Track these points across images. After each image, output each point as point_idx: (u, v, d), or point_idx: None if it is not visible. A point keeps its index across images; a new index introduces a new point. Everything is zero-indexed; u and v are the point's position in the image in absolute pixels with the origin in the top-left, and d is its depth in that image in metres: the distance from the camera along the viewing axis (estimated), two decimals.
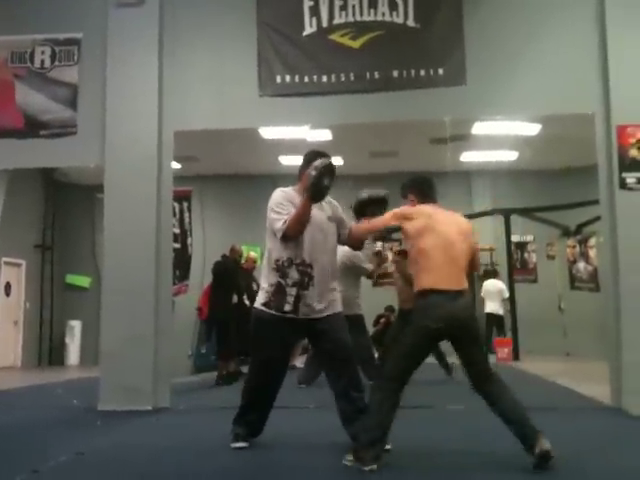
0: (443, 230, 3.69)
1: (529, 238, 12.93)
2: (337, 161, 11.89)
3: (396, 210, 3.82)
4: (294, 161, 11.79)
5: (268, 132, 9.25)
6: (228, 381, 8.08)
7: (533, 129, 9.73)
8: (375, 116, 6.34)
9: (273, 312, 3.94)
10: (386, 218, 3.84)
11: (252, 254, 9.40)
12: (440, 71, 6.11)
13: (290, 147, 10.66)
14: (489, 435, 4.50)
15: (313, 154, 3.98)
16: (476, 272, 4.64)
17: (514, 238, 12.20)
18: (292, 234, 3.84)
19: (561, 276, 12.21)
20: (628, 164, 5.69)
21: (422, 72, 6.11)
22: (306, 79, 6.26)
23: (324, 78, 6.23)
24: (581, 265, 11.59)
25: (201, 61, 6.48)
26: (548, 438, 3.53)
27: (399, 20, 6.19)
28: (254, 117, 6.55)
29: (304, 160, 4.06)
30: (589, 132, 5.99)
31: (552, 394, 6.84)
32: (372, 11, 6.22)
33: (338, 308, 4.02)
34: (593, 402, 5.97)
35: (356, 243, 4.24)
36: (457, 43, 6.11)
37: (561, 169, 11.89)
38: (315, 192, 3.73)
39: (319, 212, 3.94)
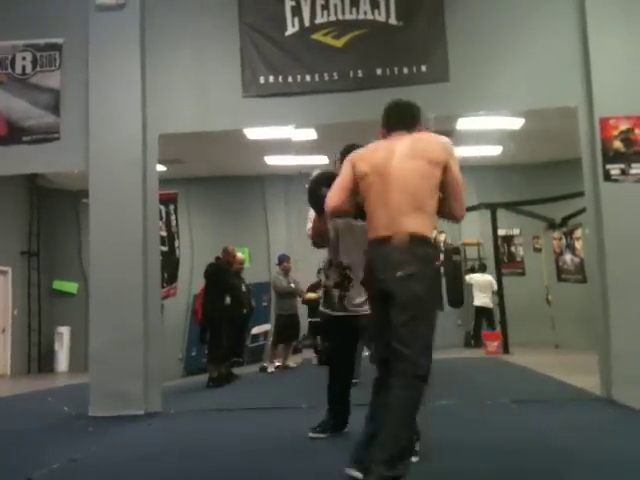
0: (381, 158, 3.01)
1: (515, 232, 13.00)
2: (323, 160, 11.91)
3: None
4: (280, 161, 11.82)
5: (253, 133, 9.22)
6: (220, 383, 8.06)
7: (517, 123, 9.78)
8: (360, 114, 6.33)
9: (327, 311, 4.26)
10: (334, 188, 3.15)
11: (240, 255, 9.38)
12: (423, 68, 6.14)
13: (275, 147, 10.66)
14: (483, 430, 4.54)
15: (346, 149, 3.80)
16: (454, 216, 3.11)
17: (501, 232, 12.27)
18: (315, 245, 4.02)
19: (548, 268, 12.29)
20: (612, 156, 5.74)
21: (405, 69, 6.14)
22: (290, 79, 6.26)
23: (308, 78, 6.24)
24: (567, 257, 11.67)
25: (184, 63, 6.46)
26: (540, 429, 3.55)
27: (381, 18, 6.21)
28: (238, 118, 6.54)
29: (340, 154, 3.93)
30: (572, 125, 6.03)
31: (542, 386, 6.89)
32: (354, 10, 6.23)
33: None
34: (583, 393, 6.02)
35: (318, 240, 3.98)
36: (439, 40, 6.13)
37: (545, 162, 11.97)
38: (314, 204, 3.70)
39: None
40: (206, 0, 6.46)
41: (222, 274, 8.49)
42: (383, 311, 2.90)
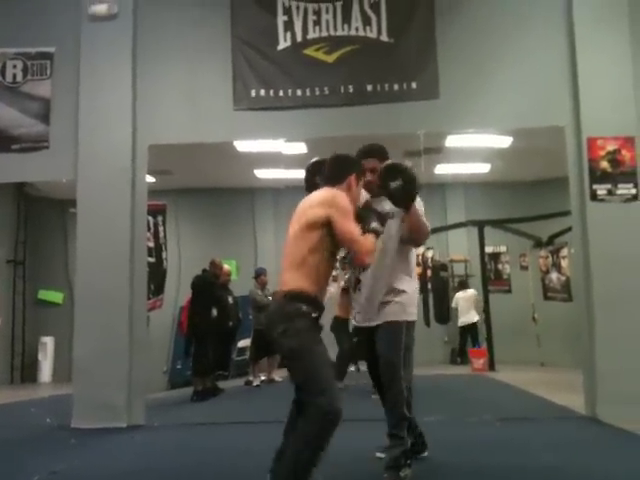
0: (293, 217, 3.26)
1: (502, 249, 13.05)
2: None
3: None
4: (269, 174, 11.81)
5: (243, 145, 9.22)
6: (204, 397, 8.00)
7: (505, 142, 9.86)
8: (350, 129, 6.37)
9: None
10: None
11: (226, 267, 9.35)
12: (413, 85, 6.19)
13: (265, 160, 10.66)
14: (468, 447, 4.53)
15: (363, 152, 3.84)
16: (358, 262, 3.41)
17: (488, 249, 12.31)
18: None
19: (534, 286, 12.34)
20: (599, 176, 5.81)
21: (396, 86, 6.19)
22: (281, 93, 6.29)
23: (299, 92, 6.27)
24: (554, 275, 11.72)
25: (175, 75, 6.47)
26: (524, 448, 3.55)
27: (372, 35, 6.26)
28: (229, 131, 6.55)
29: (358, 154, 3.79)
30: (560, 144, 6.10)
31: (527, 404, 6.90)
32: (346, 26, 6.29)
33: (387, 318, 3.70)
34: (568, 411, 6.04)
35: None
36: (430, 57, 6.19)
37: (533, 181, 12.05)
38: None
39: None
40: (199, 12, 6.49)
41: (209, 286, 8.46)
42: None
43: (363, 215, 3.29)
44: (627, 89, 5.90)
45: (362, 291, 3.76)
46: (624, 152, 5.80)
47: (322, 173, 3.40)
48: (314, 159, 3.81)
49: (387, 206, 3.60)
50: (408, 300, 3.72)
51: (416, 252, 4.11)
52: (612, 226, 5.74)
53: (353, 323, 4.01)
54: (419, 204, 3.68)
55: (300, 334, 3.01)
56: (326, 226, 3.05)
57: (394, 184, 3.49)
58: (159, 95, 6.43)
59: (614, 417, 5.23)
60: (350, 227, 3.06)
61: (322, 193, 3.21)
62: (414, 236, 3.72)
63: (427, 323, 11.55)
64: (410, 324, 3.71)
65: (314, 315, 3.05)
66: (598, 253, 5.73)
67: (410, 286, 3.76)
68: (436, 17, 6.27)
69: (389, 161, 3.59)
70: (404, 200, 3.54)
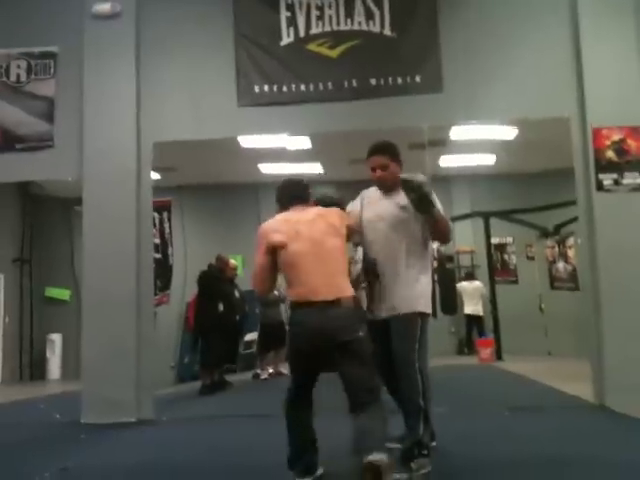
0: (293, 229, 3.43)
1: (509, 240, 13.05)
2: (317, 168, 11.94)
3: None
4: (274, 169, 11.82)
5: (247, 141, 9.23)
6: (212, 391, 8.04)
7: (510, 133, 9.83)
8: (353, 124, 6.38)
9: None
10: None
11: (232, 262, 9.38)
12: (417, 78, 6.17)
13: (270, 155, 10.67)
14: (478, 437, 4.54)
15: (369, 150, 3.91)
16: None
17: (494, 240, 12.30)
18: None
19: (541, 276, 12.33)
20: (604, 165, 5.79)
21: (399, 80, 6.17)
22: (284, 89, 6.28)
23: (302, 87, 6.26)
24: (560, 265, 11.71)
25: (179, 72, 6.48)
26: (533, 437, 3.55)
27: (375, 29, 6.25)
28: (233, 127, 6.55)
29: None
30: (565, 135, 6.07)
31: (536, 393, 6.91)
32: (349, 20, 6.27)
33: (400, 310, 3.67)
34: (577, 400, 6.04)
35: None
36: (433, 51, 6.17)
37: (538, 172, 12.01)
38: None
39: (382, 205, 3.83)
40: (202, 9, 6.49)
41: (215, 281, 8.48)
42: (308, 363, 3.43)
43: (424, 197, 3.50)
44: (632, 78, 5.87)
45: (375, 284, 3.73)
46: (630, 141, 5.78)
47: (291, 194, 3.62)
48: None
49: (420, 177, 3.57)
50: (421, 292, 3.69)
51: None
52: (618, 216, 5.73)
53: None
54: (435, 200, 3.65)
55: (366, 336, 3.35)
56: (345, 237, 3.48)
57: (409, 197, 3.54)
58: (163, 92, 6.44)
59: (623, 405, 5.24)
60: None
61: (326, 210, 3.57)
62: (437, 236, 3.77)
63: (434, 314, 11.53)
64: (424, 316, 3.68)
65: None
66: (604, 243, 5.72)
67: (424, 279, 3.73)
68: (439, 10, 6.25)
69: (403, 176, 3.56)
70: (420, 212, 3.58)
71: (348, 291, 3.35)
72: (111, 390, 5.90)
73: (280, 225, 3.50)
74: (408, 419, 3.60)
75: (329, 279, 3.32)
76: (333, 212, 3.53)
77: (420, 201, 3.49)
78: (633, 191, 5.76)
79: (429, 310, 3.73)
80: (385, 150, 3.80)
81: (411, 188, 3.47)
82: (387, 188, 3.77)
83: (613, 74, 5.87)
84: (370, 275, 3.74)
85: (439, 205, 3.66)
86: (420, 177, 3.49)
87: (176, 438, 5.25)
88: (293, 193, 3.63)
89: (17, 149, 6.47)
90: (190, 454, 4.50)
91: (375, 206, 3.79)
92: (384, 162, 3.74)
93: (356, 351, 3.26)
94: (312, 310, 3.30)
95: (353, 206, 3.94)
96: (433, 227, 3.62)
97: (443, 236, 3.77)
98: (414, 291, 3.65)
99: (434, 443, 3.97)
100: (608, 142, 5.79)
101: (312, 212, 3.53)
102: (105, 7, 6.31)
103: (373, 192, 3.84)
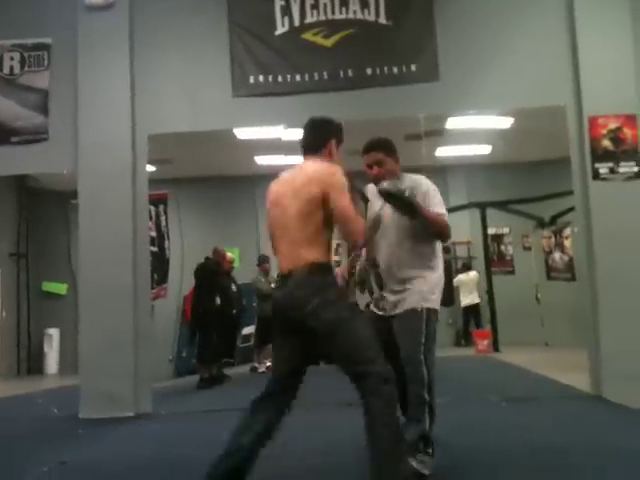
0: (276, 194, 3.11)
1: (505, 230, 13.05)
2: None
3: None
4: (270, 161, 11.79)
5: (243, 132, 9.20)
6: (210, 384, 8.04)
7: (506, 123, 9.82)
8: (349, 114, 6.32)
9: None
10: None
11: (229, 255, 9.36)
12: (413, 68, 6.15)
13: (266, 147, 10.64)
14: (475, 428, 4.55)
15: (363, 148, 3.73)
16: (349, 241, 3.23)
17: (490, 231, 12.31)
18: None
19: (537, 266, 12.35)
20: (600, 154, 5.78)
21: (395, 69, 6.14)
22: (279, 79, 6.25)
23: (297, 77, 6.23)
24: (557, 255, 11.72)
25: (173, 63, 6.44)
26: (531, 427, 3.55)
27: (371, 18, 6.21)
28: (228, 118, 6.52)
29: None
30: (561, 124, 6.06)
31: (533, 384, 6.92)
32: (344, 9, 6.23)
33: (405, 306, 3.54)
34: (573, 391, 6.05)
35: None
36: (429, 40, 6.14)
37: (535, 161, 12.02)
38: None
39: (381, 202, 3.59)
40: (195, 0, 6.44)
41: (212, 274, 8.47)
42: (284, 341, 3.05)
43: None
44: (627, 67, 5.85)
45: (378, 282, 3.63)
46: (626, 130, 5.77)
47: (303, 141, 3.22)
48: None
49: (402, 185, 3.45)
50: (428, 287, 3.56)
51: None
52: (615, 205, 5.72)
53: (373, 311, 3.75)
54: (434, 192, 3.58)
55: (336, 304, 2.89)
56: (325, 202, 2.93)
57: (393, 206, 3.44)
58: (158, 84, 6.40)
59: (619, 395, 5.25)
60: (344, 202, 2.93)
61: (315, 168, 3.03)
62: (433, 237, 3.61)
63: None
64: (431, 312, 3.54)
65: (341, 285, 2.93)
66: (601, 232, 5.72)
67: (431, 272, 3.60)
68: (436, 0, 6.21)
69: (382, 187, 3.43)
70: (408, 218, 3.46)
71: (306, 259, 2.92)
72: (109, 384, 5.89)
73: (273, 186, 3.18)
74: (411, 412, 3.52)
75: (289, 248, 2.99)
76: (323, 174, 2.99)
77: (404, 209, 3.40)
78: (629, 180, 5.75)
79: (435, 305, 3.59)
80: (380, 146, 3.71)
81: (392, 198, 3.39)
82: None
83: (609, 62, 5.85)
84: (373, 274, 3.64)
85: (437, 204, 3.55)
86: (399, 185, 3.40)
87: (174, 432, 5.25)
88: (303, 141, 3.22)
89: (12, 142, 6.43)
90: (188, 448, 4.49)
91: (375, 204, 3.67)
92: (380, 158, 3.65)
93: (316, 328, 2.85)
94: (277, 285, 3.13)
95: None
96: (426, 229, 3.54)
97: (438, 236, 3.65)
98: (419, 287, 3.54)
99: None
100: (604, 131, 5.78)
101: (304, 170, 3.09)
102: None
103: (372, 189, 3.72)
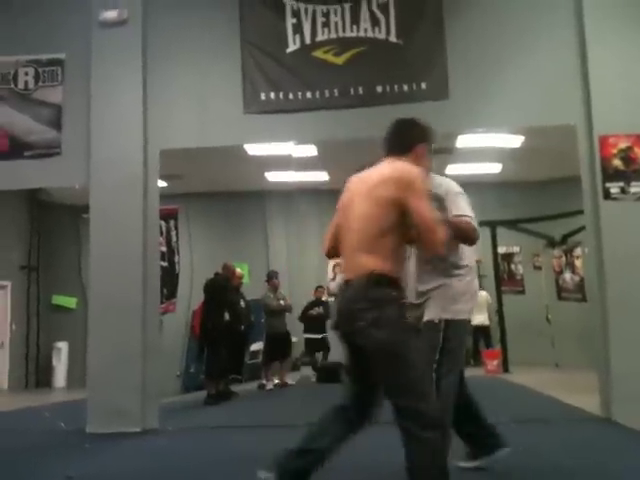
0: (350, 192, 2.91)
1: (515, 249, 12.99)
2: (323, 176, 11.94)
3: None
4: (280, 177, 11.84)
5: (253, 148, 9.25)
6: (217, 401, 8.01)
7: (516, 141, 9.82)
8: (360, 131, 6.37)
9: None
10: None
11: (239, 270, 9.37)
12: (423, 85, 6.17)
13: (276, 163, 10.69)
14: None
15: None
16: (428, 251, 3.01)
17: (500, 250, 12.24)
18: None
19: (548, 286, 12.26)
20: (611, 174, 5.75)
21: (405, 87, 6.17)
22: (290, 96, 6.29)
23: (308, 94, 6.27)
24: (567, 275, 11.64)
25: (185, 79, 6.49)
26: (541, 450, 3.49)
27: (381, 36, 6.25)
28: (239, 134, 6.56)
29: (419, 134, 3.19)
30: (572, 143, 6.05)
31: (542, 406, 6.84)
32: (355, 27, 6.28)
33: (428, 316, 3.34)
34: (583, 413, 5.97)
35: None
36: (439, 58, 6.17)
37: (545, 180, 11.99)
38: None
39: None
40: (208, 16, 6.51)
41: (221, 290, 8.47)
42: (352, 355, 2.82)
43: None
44: (638, 86, 5.84)
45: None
46: (636, 150, 5.74)
47: (385, 142, 2.99)
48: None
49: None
50: (450, 295, 3.31)
51: None
52: (626, 225, 5.69)
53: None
54: (455, 195, 3.41)
55: (392, 324, 2.57)
56: (399, 206, 2.66)
57: None
58: (170, 99, 6.45)
59: (630, 418, 5.17)
60: (424, 210, 2.66)
61: (394, 167, 2.79)
62: (456, 242, 3.35)
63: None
64: (452, 324, 3.28)
65: (403, 301, 2.66)
66: (612, 252, 5.68)
67: (456, 279, 3.37)
68: (445, 17, 6.24)
69: None
70: None
71: (366, 268, 2.65)
72: (116, 399, 5.88)
73: (349, 184, 2.98)
74: None
75: (351, 254, 2.77)
76: (403, 175, 2.72)
77: None
78: None
79: (458, 316, 3.33)
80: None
81: None
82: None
83: (619, 82, 5.84)
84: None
85: (456, 206, 3.39)
86: None
87: (181, 448, 5.22)
88: (387, 141, 3.00)
89: (25, 156, 6.50)
90: (195, 464, 4.47)
91: None
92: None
93: (365, 347, 2.61)
94: (339, 295, 2.88)
95: None
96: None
97: (462, 240, 3.40)
98: (439, 297, 3.33)
99: None
100: (615, 150, 5.75)
101: (381, 169, 2.85)
102: (112, 14, 6.34)
103: None
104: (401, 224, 2.69)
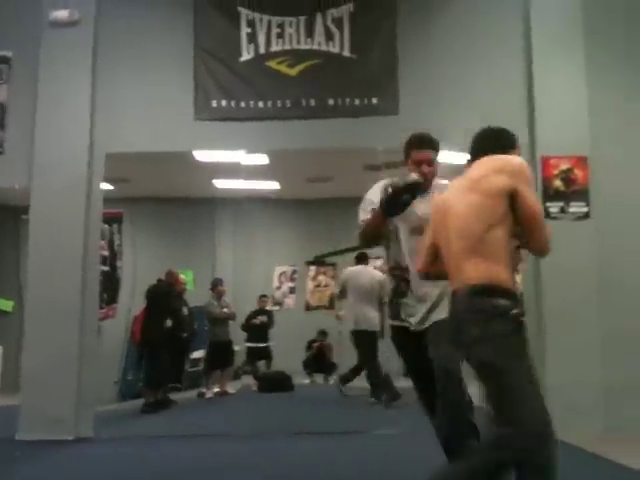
0: (442, 201, 2.68)
1: None
2: (274, 185, 11.94)
3: None
4: (229, 185, 11.76)
5: (202, 155, 9.15)
6: (156, 409, 7.86)
7: (464, 158, 10.03)
8: (311, 142, 6.42)
9: (391, 322, 3.39)
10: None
11: (182, 277, 9.27)
12: (374, 100, 6.26)
13: (225, 171, 10.62)
14: (421, 462, 4.53)
15: (415, 142, 3.46)
16: (533, 253, 2.70)
17: None
18: (361, 244, 3.46)
19: None
20: (552, 194, 5.95)
21: (357, 101, 6.25)
22: (242, 104, 6.28)
23: (260, 104, 6.27)
24: None
25: (136, 83, 6.40)
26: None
27: (335, 50, 6.32)
28: (189, 141, 6.51)
29: (405, 145, 3.46)
30: None
31: (475, 416, 6.93)
32: (309, 40, 6.33)
33: (439, 316, 3.19)
34: None
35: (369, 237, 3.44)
36: (391, 74, 6.27)
37: None
38: (389, 209, 3.21)
39: (424, 206, 3.18)
40: (162, 21, 6.45)
41: (164, 296, 8.36)
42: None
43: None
44: (581, 110, 6.06)
45: (411, 290, 3.27)
46: (577, 171, 5.96)
47: (476, 146, 2.89)
48: (412, 178, 3.26)
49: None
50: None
51: None
52: (563, 243, 5.84)
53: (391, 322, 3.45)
54: None
55: (499, 341, 2.34)
56: (508, 197, 2.42)
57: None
58: (119, 102, 6.35)
59: (562, 429, 5.25)
60: (536, 203, 2.49)
61: (500, 157, 2.60)
62: None
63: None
64: None
65: (517, 314, 2.38)
66: (550, 269, 5.85)
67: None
68: (398, 35, 6.34)
69: (410, 178, 3.22)
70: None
71: (471, 275, 2.39)
72: (50, 405, 5.71)
73: (439, 196, 2.81)
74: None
75: (453, 260, 2.50)
76: (513, 164, 2.53)
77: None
78: (578, 219, 5.94)
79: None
80: (434, 145, 3.49)
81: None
82: (424, 187, 3.33)
83: (562, 107, 6.06)
84: (399, 283, 3.32)
85: None
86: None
87: (115, 458, 5.10)
88: (476, 147, 2.85)
89: None
90: (129, 475, 4.37)
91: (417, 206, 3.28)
92: (433, 157, 3.44)
93: (469, 361, 2.47)
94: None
95: (373, 196, 3.40)
96: None
97: None
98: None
99: None
100: (556, 171, 5.96)
101: (484, 162, 2.64)
102: (63, 14, 6.20)
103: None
104: (509, 218, 2.43)
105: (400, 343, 3.37)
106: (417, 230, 3.18)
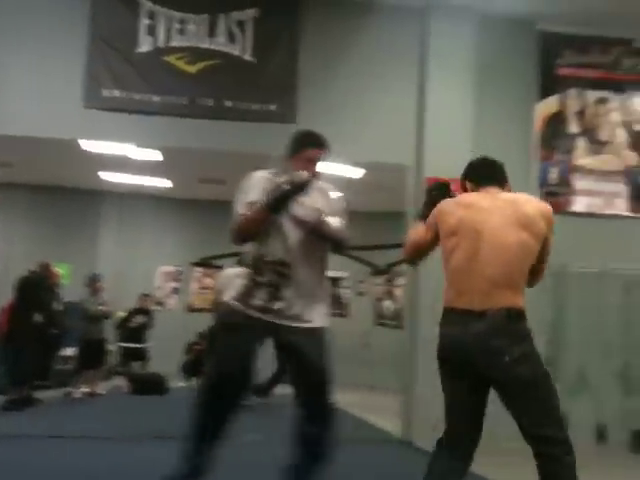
0: (479, 221, 2.76)
1: (344, 274, 13.56)
2: (166, 183, 11.67)
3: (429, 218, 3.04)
4: (116, 178, 11.38)
5: (87, 144, 8.77)
6: (19, 407, 7.44)
7: (358, 173, 10.30)
8: (204, 143, 6.37)
9: (240, 307, 3.29)
10: (420, 231, 3.12)
11: (56, 269, 8.85)
12: (272, 107, 6.29)
13: (111, 163, 10.27)
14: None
15: (313, 140, 3.55)
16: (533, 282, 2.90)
17: (330, 274, 12.68)
18: (238, 239, 3.36)
19: (369, 312, 12.94)
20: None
21: (254, 106, 6.25)
22: (136, 96, 6.11)
23: (155, 98, 6.14)
24: (387, 303, 12.41)
25: (24, 64, 6.09)
26: (333, 471, 3.54)
27: (236, 52, 6.30)
28: (77, 129, 6.28)
29: (295, 141, 3.54)
30: (405, 181, 6.49)
31: (348, 426, 7.03)
32: (211, 40, 6.27)
33: (320, 323, 3.44)
34: (384, 434, 6.25)
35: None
36: (290, 83, 6.33)
37: (379, 212, 12.66)
38: (278, 207, 3.21)
39: (308, 200, 3.27)
40: (56, 3, 6.18)
41: (34, 288, 7.95)
42: (453, 384, 2.99)
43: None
44: (465, 138, 6.39)
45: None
46: (457, 193, 6.27)
47: (485, 173, 3.04)
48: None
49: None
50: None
51: None
52: (440, 260, 6.15)
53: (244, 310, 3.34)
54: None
55: (532, 358, 2.66)
56: (541, 245, 2.75)
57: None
58: (5, 83, 6.01)
59: (429, 442, 5.48)
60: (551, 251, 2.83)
61: (537, 201, 2.90)
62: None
63: None
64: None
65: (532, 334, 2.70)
66: (426, 284, 6.10)
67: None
68: (300, 45, 6.42)
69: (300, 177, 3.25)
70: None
71: (506, 302, 2.65)
72: None
73: (456, 209, 2.90)
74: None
75: (485, 284, 2.68)
76: (549, 212, 2.80)
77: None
78: None
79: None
80: (320, 143, 3.63)
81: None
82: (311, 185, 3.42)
83: (449, 133, 6.35)
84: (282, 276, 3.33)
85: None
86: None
87: None
88: (486, 173, 3.02)
89: None
90: None
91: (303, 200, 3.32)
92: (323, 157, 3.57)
93: (505, 382, 2.65)
94: (450, 320, 2.89)
95: (252, 191, 3.38)
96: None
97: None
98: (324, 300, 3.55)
99: None
100: None
101: (503, 197, 2.85)
102: None
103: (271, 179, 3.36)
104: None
105: (243, 334, 3.33)
106: (299, 225, 3.30)
